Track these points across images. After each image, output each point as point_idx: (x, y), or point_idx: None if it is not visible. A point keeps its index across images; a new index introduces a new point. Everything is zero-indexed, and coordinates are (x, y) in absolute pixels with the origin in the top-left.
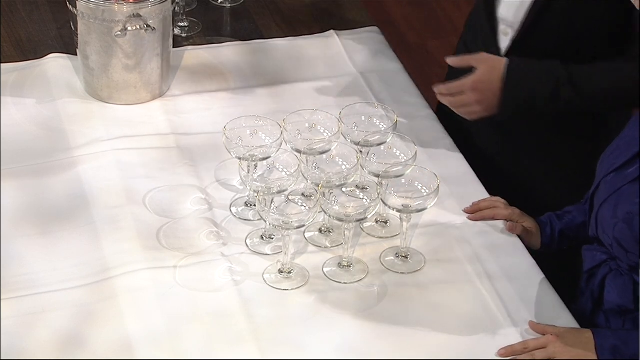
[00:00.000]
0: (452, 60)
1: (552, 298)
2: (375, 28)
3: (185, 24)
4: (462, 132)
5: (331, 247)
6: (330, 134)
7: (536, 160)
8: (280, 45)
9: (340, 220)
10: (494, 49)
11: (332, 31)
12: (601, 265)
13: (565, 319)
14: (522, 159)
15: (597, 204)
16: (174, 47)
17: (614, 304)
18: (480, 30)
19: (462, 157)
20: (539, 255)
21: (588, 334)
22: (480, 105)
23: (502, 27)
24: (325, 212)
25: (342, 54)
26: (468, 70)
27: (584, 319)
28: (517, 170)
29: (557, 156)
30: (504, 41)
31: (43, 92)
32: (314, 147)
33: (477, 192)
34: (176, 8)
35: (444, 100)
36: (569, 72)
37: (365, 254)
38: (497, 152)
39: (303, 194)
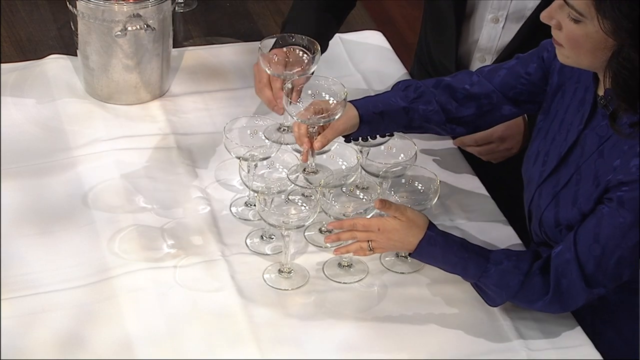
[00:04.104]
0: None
1: None
2: (377, 32)
3: (181, 0)
4: None
5: (331, 247)
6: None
7: None
8: None
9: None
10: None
11: None
12: None
13: (564, 318)
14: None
15: (538, 212)
16: (174, 47)
17: None
18: (447, 55)
19: (462, 157)
20: None
21: (414, 240)
22: (509, 151)
23: (477, 55)
24: (325, 212)
25: (343, 54)
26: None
27: None
28: (518, 169)
29: None
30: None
31: (43, 92)
32: None
33: (477, 191)
34: (176, 8)
35: (470, 150)
36: None
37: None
38: None
39: (303, 194)
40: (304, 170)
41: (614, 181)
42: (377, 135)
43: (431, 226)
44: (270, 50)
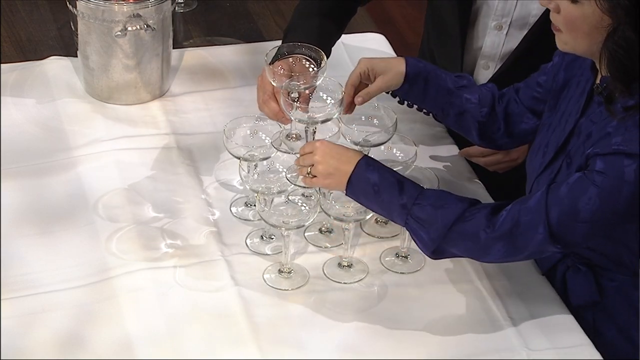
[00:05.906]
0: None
1: (551, 296)
2: (379, 35)
3: (181, 0)
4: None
5: (331, 247)
6: (330, 134)
7: None
8: None
9: (340, 220)
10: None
11: None
12: (557, 265)
13: (564, 316)
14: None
15: None
16: (174, 47)
17: (582, 300)
18: (449, 60)
19: (462, 157)
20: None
21: (354, 159)
22: (514, 161)
23: (481, 62)
24: (325, 212)
25: (344, 56)
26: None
27: None
28: (518, 169)
29: None
30: (483, 74)
31: (43, 92)
32: None
33: (477, 191)
34: (176, 8)
35: (475, 160)
36: None
37: (365, 254)
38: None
39: (303, 194)
40: (287, 136)
41: (592, 153)
42: (414, 105)
43: (366, 155)
44: (275, 61)
